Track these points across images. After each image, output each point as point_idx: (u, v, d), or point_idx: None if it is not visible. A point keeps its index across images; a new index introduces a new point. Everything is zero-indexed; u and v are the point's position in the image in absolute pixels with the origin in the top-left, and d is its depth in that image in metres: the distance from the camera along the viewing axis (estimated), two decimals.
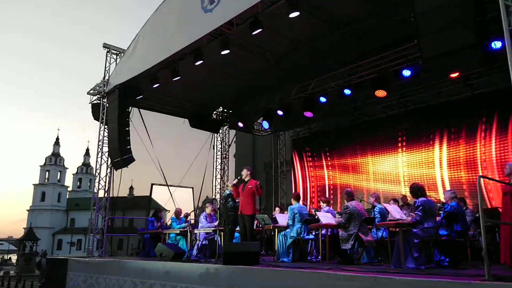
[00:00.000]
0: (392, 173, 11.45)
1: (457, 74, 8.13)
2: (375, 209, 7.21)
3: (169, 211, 14.00)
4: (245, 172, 7.42)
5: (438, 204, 7.00)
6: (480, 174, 9.43)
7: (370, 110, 12.24)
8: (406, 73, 9.22)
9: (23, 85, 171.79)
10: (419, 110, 11.08)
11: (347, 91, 10.58)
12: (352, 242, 6.34)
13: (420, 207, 5.54)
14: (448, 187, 9.87)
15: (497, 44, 7.45)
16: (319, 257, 7.05)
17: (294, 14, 8.07)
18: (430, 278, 4.02)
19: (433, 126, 10.71)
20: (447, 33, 5.62)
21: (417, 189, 5.77)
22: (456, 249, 5.83)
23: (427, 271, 4.98)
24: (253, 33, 8.56)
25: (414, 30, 6.24)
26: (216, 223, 8.57)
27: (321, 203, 8.16)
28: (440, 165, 10.42)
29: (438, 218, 6.02)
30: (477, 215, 6.69)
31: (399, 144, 11.41)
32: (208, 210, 9.01)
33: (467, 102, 10.04)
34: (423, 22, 6.03)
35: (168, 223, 10.51)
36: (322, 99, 11.19)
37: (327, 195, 12.92)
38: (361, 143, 12.39)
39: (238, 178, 7.49)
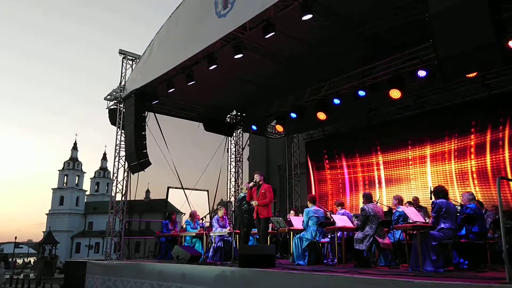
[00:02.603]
0: (409, 175, 11.30)
1: (474, 74, 7.99)
2: (395, 213, 7.04)
3: (184, 213, 14.12)
4: (257, 177, 7.47)
5: (457, 207, 6.87)
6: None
7: (385, 111, 12.12)
8: (422, 73, 9.12)
9: (41, 90, 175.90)
10: (435, 111, 10.92)
11: (361, 93, 10.51)
12: (367, 244, 6.29)
13: (435, 208, 5.47)
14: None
15: None
16: (335, 260, 7.01)
17: (307, 17, 8.07)
18: (449, 281, 3.97)
19: (449, 127, 10.55)
20: (464, 32, 5.54)
21: (439, 191, 5.69)
22: (476, 252, 5.73)
23: (446, 274, 4.91)
24: (266, 36, 8.61)
25: (429, 30, 6.17)
26: (228, 227, 8.62)
27: (336, 206, 8.12)
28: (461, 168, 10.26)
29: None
30: (497, 216, 6.56)
31: (415, 146, 11.26)
32: (220, 213, 9.08)
33: (484, 102, 9.87)
34: (438, 22, 5.96)
35: (184, 226, 10.60)
36: (336, 101, 11.14)
37: (341, 198, 12.86)
38: (376, 144, 12.27)
39: (254, 181, 7.54)
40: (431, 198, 6.03)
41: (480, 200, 8.42)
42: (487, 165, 9.70)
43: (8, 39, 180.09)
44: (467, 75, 8.43)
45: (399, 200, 7.24)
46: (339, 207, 7.94)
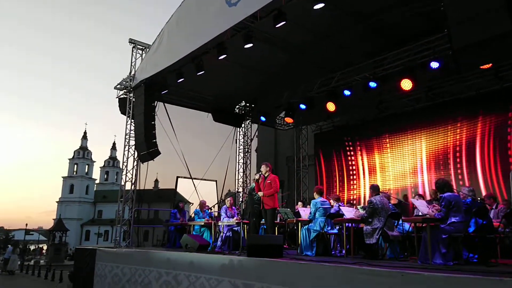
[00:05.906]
0: (417, 167, 11.18)
1: (489, 65, 7.81)
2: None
3: (192, 203, 14.20)
4: (264, 168, 7.51)
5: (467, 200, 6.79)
6: None
7: (396, 103, 11.96)
8: (434, 65, 8.95)
9: (51, 80, 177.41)
10: (446, 103, 10.75)
11: (372, 84, 10.37)
12: (377, 237, 6.25)
13: (444, 203, 5.39)
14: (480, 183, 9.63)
15: None
16: (343, 252, 7.00)
17: (319, 6, 7.97)
18: (460, 274, 3.91)
19: (461, 119, 10.38)
20: (480, 21, 5.40)
21: (443, 185, 5.60)
22: (486, 246, 5.65)
23: (456, 267, 4.85)
24: (277, 26, 8.51)
25: (441, 22, 6.04)
26: (237, 217, 8.66)
27: (331, 201, 7.93)
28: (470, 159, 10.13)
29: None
30: (508, 210, 6.47)
31: (425, 138, 11.12)
32: (228, 203, 9.13)
33: (497, 95, 9.69)
34: (452, 11, 5.83)
35: (192, 216, 10.68)
36: (346, 92, 11.02)
37: (351, 190, 12.87)
38: (386, 136, 12.15)
39: (260, 173, 7.56)
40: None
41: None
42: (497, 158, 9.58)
43: (22, 38, 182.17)
44: (481, 67, 8.27)
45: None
46: (335, 202, 7.86)
